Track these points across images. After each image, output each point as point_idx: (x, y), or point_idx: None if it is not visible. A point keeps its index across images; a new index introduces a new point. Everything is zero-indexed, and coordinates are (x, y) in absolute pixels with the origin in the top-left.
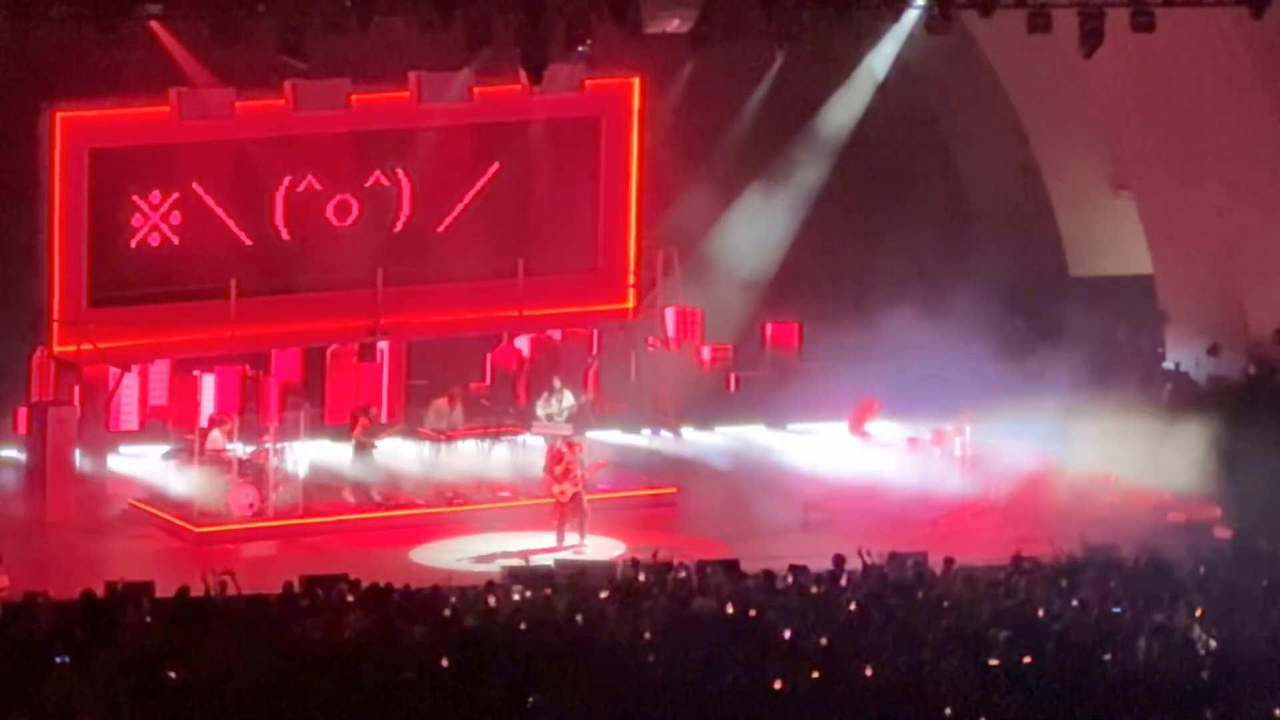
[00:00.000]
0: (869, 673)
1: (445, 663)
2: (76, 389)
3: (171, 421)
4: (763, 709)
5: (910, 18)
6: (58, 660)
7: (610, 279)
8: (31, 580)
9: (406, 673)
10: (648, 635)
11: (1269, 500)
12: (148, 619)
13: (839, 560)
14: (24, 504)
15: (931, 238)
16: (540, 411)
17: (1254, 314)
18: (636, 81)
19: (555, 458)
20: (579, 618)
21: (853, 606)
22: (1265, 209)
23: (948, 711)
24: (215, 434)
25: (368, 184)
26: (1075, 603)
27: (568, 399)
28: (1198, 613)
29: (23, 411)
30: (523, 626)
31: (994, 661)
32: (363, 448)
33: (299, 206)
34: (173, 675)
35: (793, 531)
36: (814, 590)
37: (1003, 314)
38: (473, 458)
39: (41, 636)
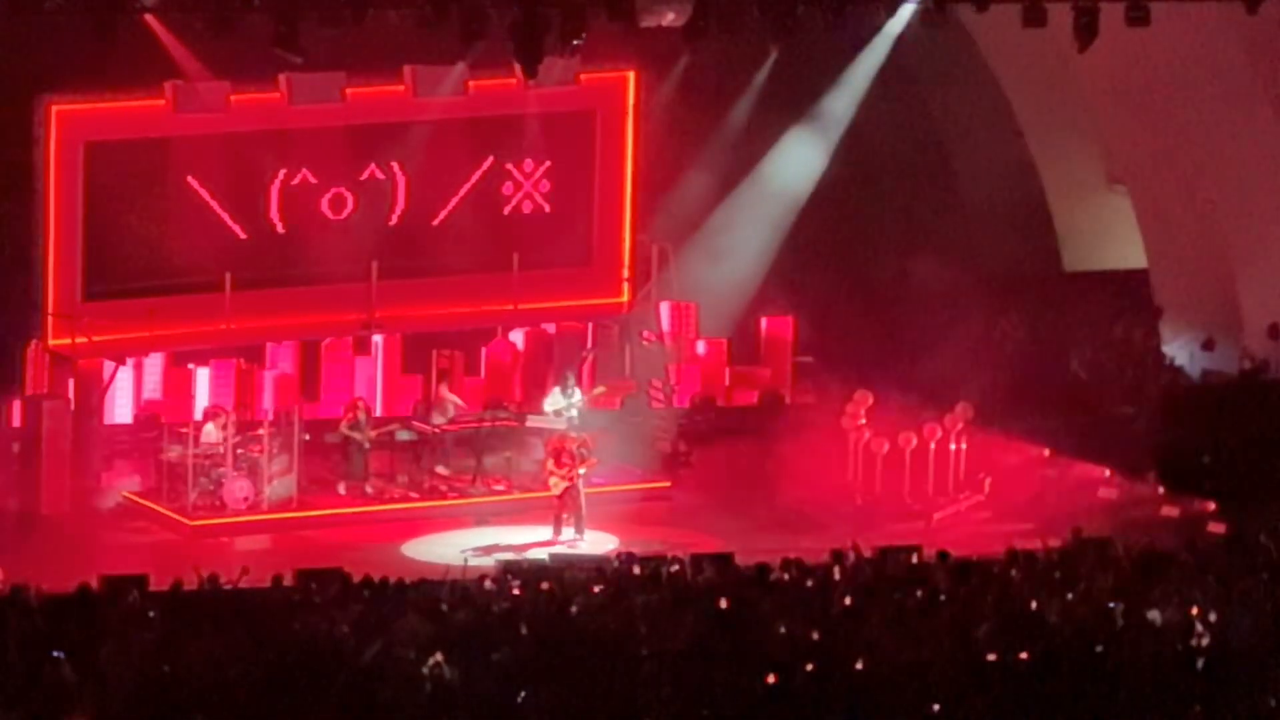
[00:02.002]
0: (862, 667)
1: (439, 656)
2: (71, 382)
3: (166, 415)
4: (756, 703)
5: (906, 11)
6: (51, 654)
7: (605, 273)
8: (25, 573)
9: (400, 665)
10: (641, 629)
11: (1263, 494)
12: (148, 613)
13: (834, 554)
14: (18, 497)
15: (926, 232)
16: (549, 407)
17: (1248, 308)
18: (631, 75)
19: (553, 451)
20: (572, 611)
21: (847, 600)
22: (1260, 203)
23: (941, 705)
24: (209, 427)
25: (362, 177)
26: (1069, 596)
27: (578, 395)
28: (1193, 609)
29: (17, 404)
30: (517, 620)
31: (991, 656)
32: (353, 441)
33: (294, 200)
34: (166, 669)
35: (787, 526)
36: (808, 584)
37: (997, 308)
38: (467, 451)
39: (32, 630)
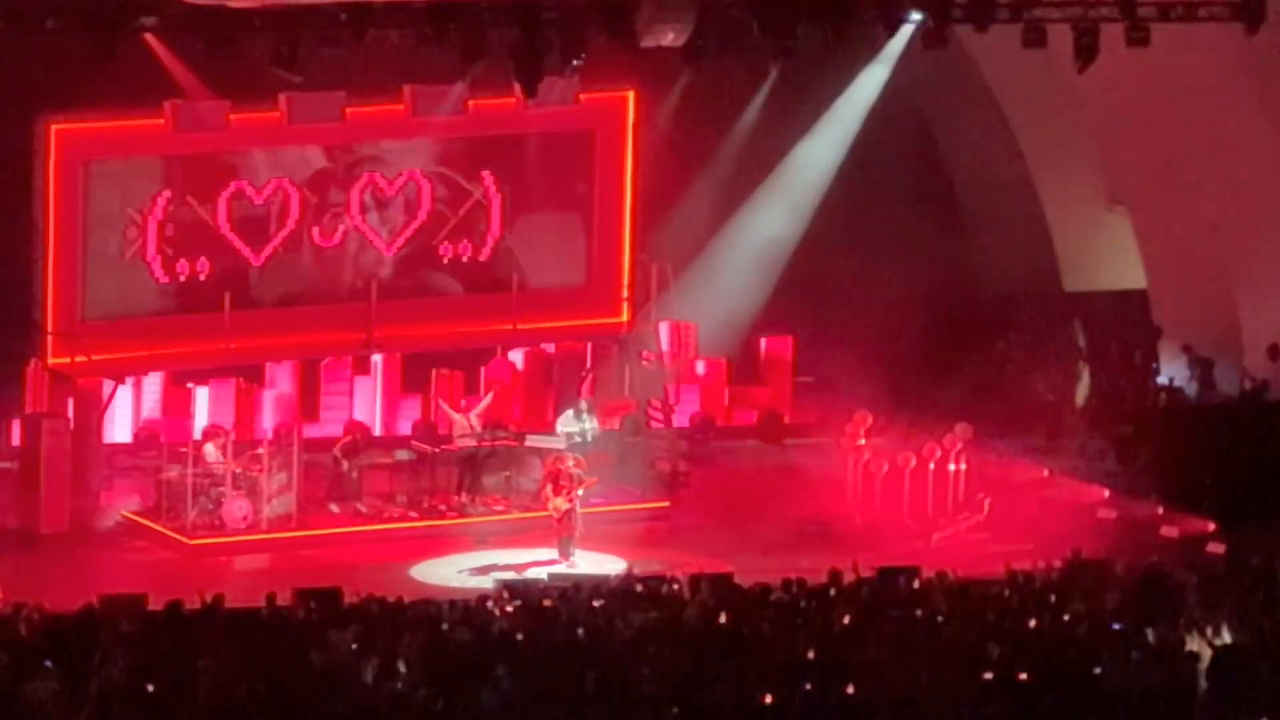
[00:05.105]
0: (861, 687)
1: (438, 676)
2: (70, 401)
3: (165, 434)
4: None
5: (905, 33)
6: (46, 672)
7: (604, 293)
8: (24, 592)
9: (401, 686)
10: (641, 648)
11: (1263, 515)
12: (147, 633)
13: (833, 574)
14: (17, 516)
15: (926, 251)
16: (561, 428)
17: (1248, 329)
18: (631, 95)
19: (550, 474)
20: (572, 631)
21: (845, 620)
22: (1260, 224)
23: None
24: (209, 446)
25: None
26: (1068, 617)
27: (593, 423)
28: (1191, 630)
29: (16, 423)
30: (517, 640)
31: (988, 676)
32: (350, 461)
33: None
34: (165, 688)
35: (786, 546)
36: (807, 604)
37: (997, 329)
38: (467, 471)
39: (30, 648)
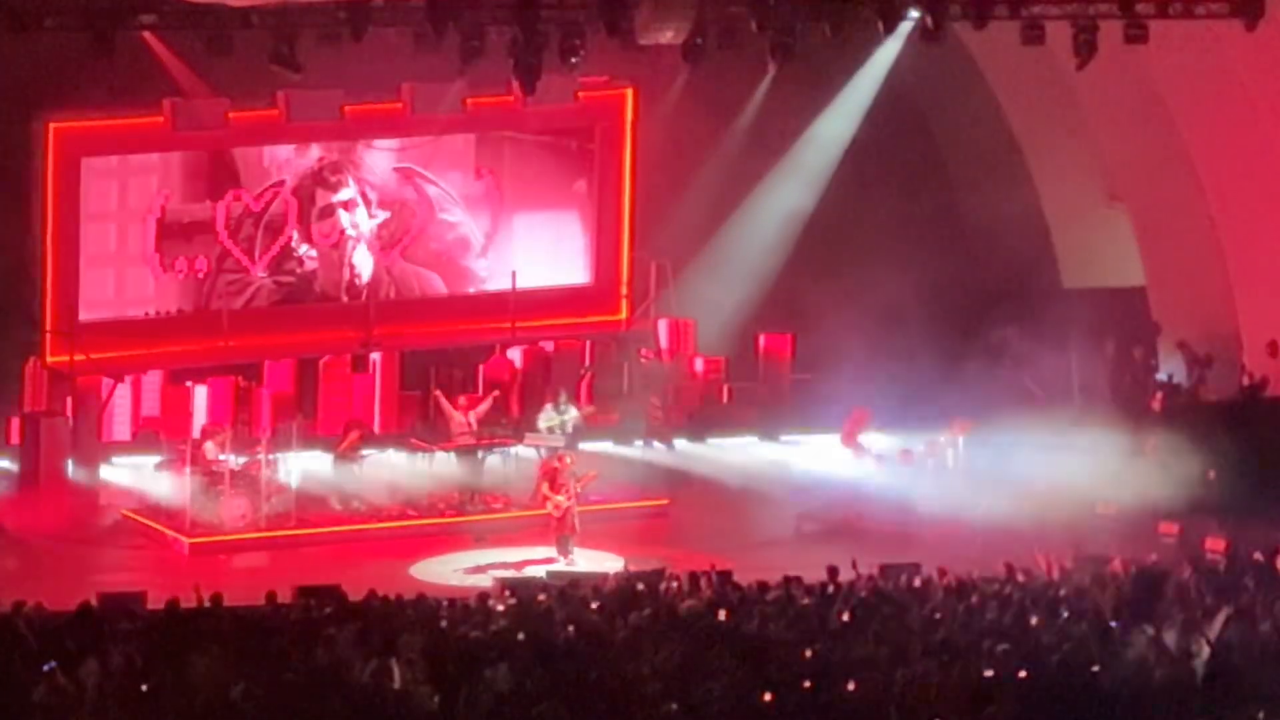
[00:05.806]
0: (861, 684)
1: (438, 674)
2: (69, 399)
3: (164, 432)
4: None
5: (904, 29)
6: (45, 670)
7: (603, 291)
8: (23, 591)
9: (401, 684)
10: (639, 646)
11: (1262, 513)
12: (146, 631)
13: (832, 572)
14: (16, 514)
15: (925, 249)
16: (543, 423)
17: (1247, 326)
18: (630, 92)
19: (547, 472)
20: (571, 629)
21: (845, 617)
22: (1259, 221)
23: None
24: (208, 445)
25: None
26: (1067, 614)
27: (572, 412)
28: (1190, 627)
29: (15, 422)
30: (516, 638)
31: (988, 675)
32: (347, 460)
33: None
34: (163, 688)
35: (786, 543)
36: (806, 601)
37: (996, 325)
38: (465, 469)
39: (29, 647)
